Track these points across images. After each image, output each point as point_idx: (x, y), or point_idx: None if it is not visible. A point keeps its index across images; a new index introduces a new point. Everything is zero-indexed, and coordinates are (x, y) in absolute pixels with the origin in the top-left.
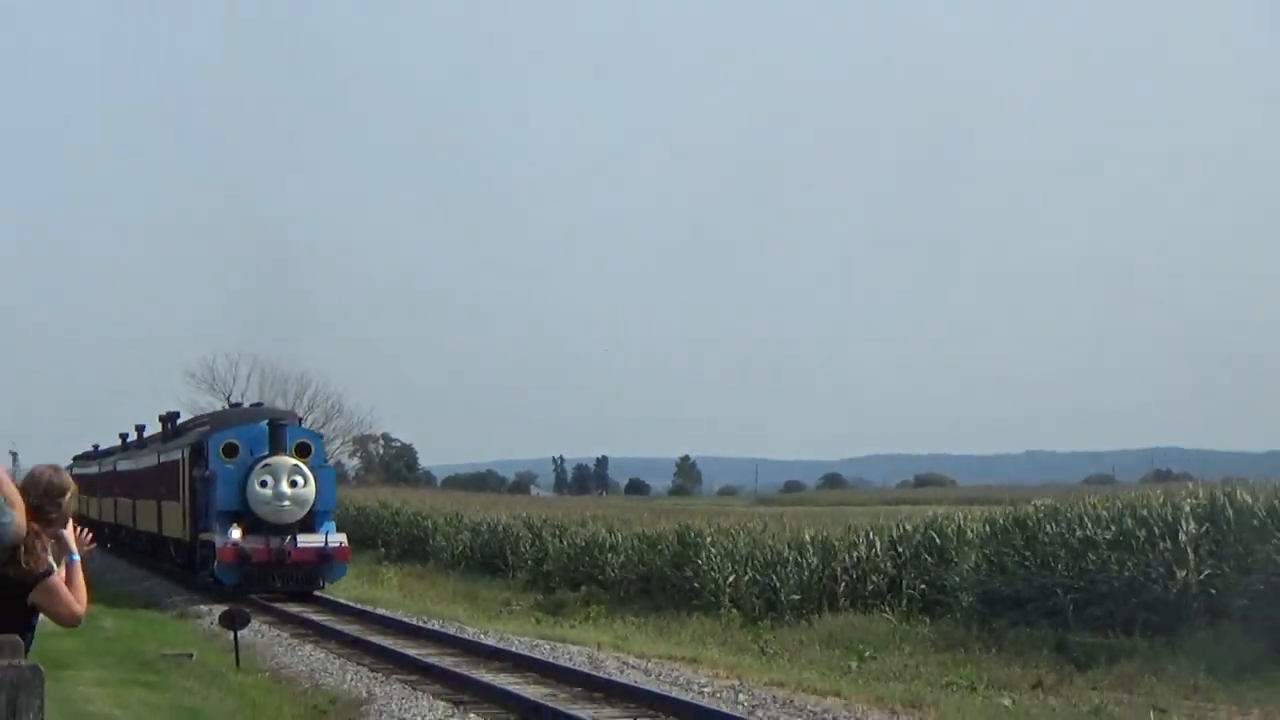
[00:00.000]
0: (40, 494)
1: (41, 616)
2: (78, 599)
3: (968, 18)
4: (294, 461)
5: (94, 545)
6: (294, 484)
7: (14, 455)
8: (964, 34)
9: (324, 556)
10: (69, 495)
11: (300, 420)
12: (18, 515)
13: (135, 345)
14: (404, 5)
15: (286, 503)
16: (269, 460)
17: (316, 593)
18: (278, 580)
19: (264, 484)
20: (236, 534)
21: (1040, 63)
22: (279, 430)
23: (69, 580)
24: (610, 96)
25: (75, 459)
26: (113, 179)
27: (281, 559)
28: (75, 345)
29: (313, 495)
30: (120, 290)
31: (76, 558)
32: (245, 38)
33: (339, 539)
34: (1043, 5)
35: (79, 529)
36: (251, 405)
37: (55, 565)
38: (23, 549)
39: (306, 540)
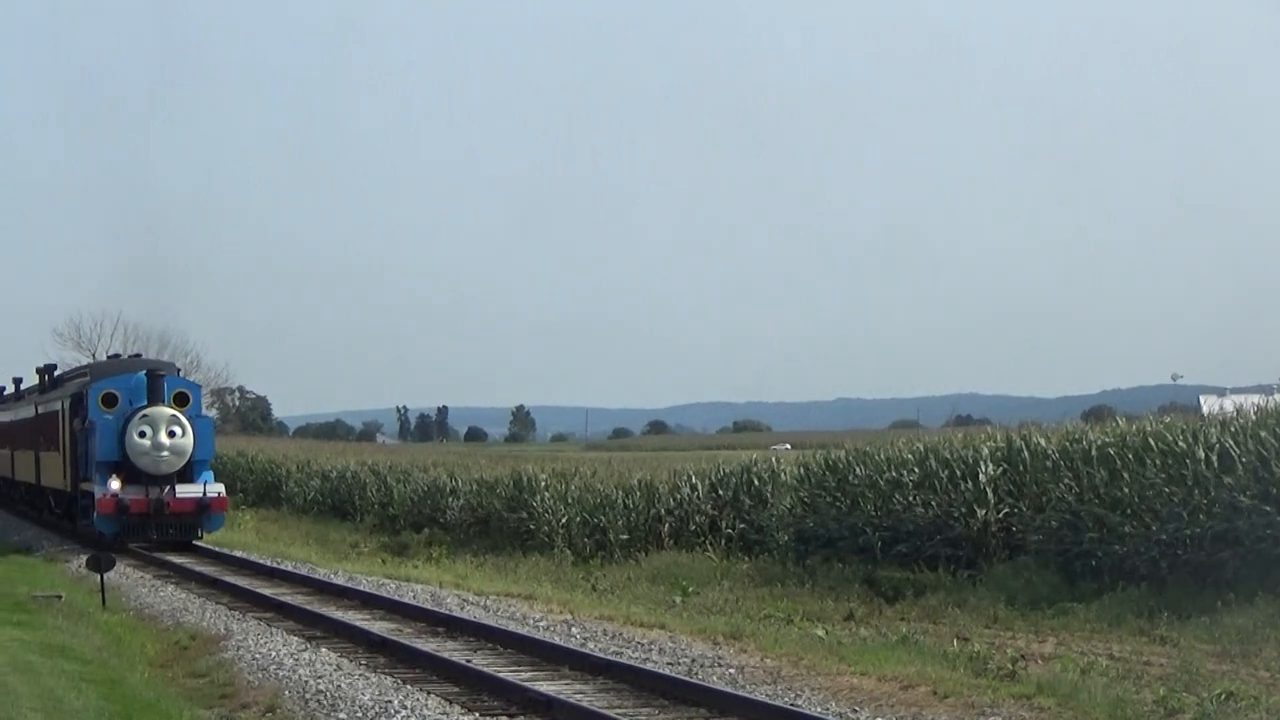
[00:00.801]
0: None
1: None
2: None
3: None
4: (172, 412)
5: None
6: (172, 434)
7: None
8: None
9: (202, 506)
10: None
11: (179, 370)
12: None
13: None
14: None
15: (165, 453)
16: (147, 411)
17: (195, 542)
18: (156, 531)
19: (142, 434)
20: (115, 485)
21: None
22: (157, 380)
23: None
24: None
25: None
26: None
27: (160, 509)
28: None
29: (191, 445)
30: None
31: None
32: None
33: (217, 489)
34: None
35: None
36: (131, 356)
37: None
38: None
39: (185, 490)
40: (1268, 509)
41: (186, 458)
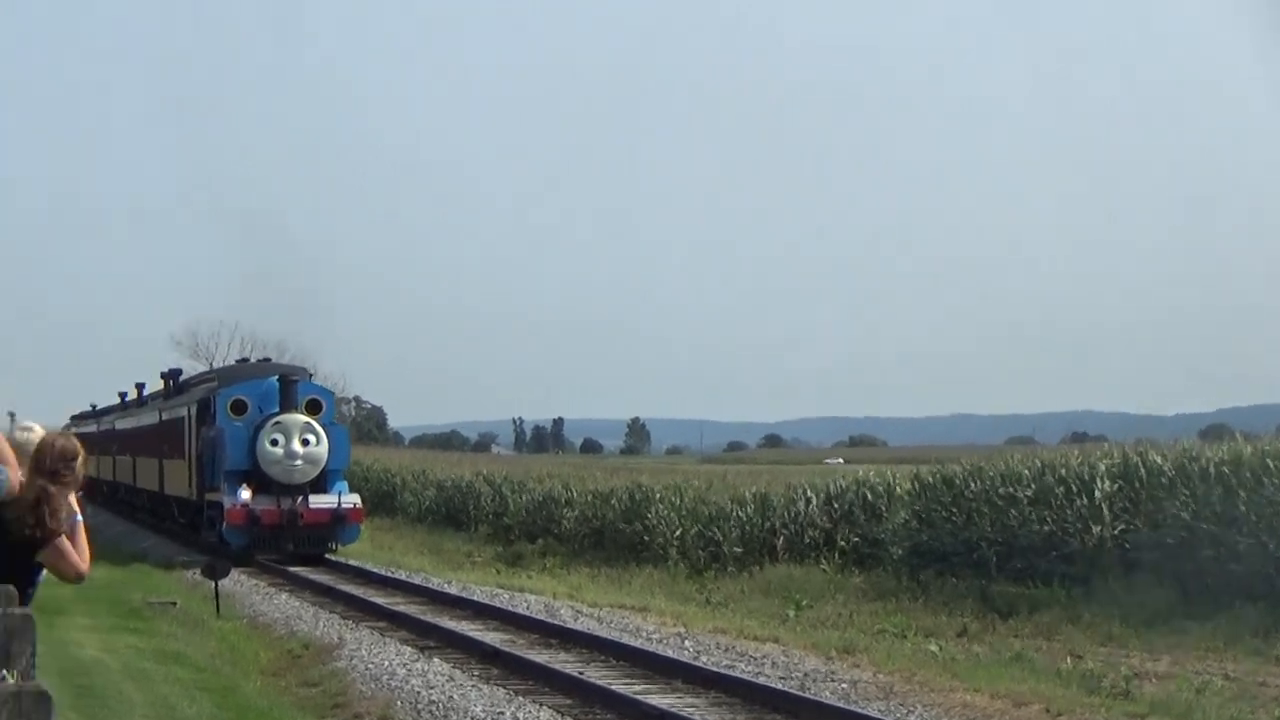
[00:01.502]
0: (55, 459)
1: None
2: (82, 558)
3: None
4: (305, 419)
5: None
6: (306, 442)
7: (11, 415)
8: None
9: (337, 518)
10: (80, 459)
11: (310, 376)
12: (11, 473)
13: (125, 315)
14: None
15: (298, 462)
16: (280, 418)
17: (328, 555)
18: (289, 542)
19: (274, 442)
20: (246, 494)
21: None
22: (290, 386)
23: (73, 540)
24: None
25: (73, 418)
26: (118, 168)
27: (293, 520)
28: (69, 314)
29: (325, 454)
30: (111, 263)
31: (80, 518)
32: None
33: (352, 499)
34: None
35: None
36: (259, 360)
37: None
38: (47, 511)
39: (319, 501)
40: None
41: (321, 467)
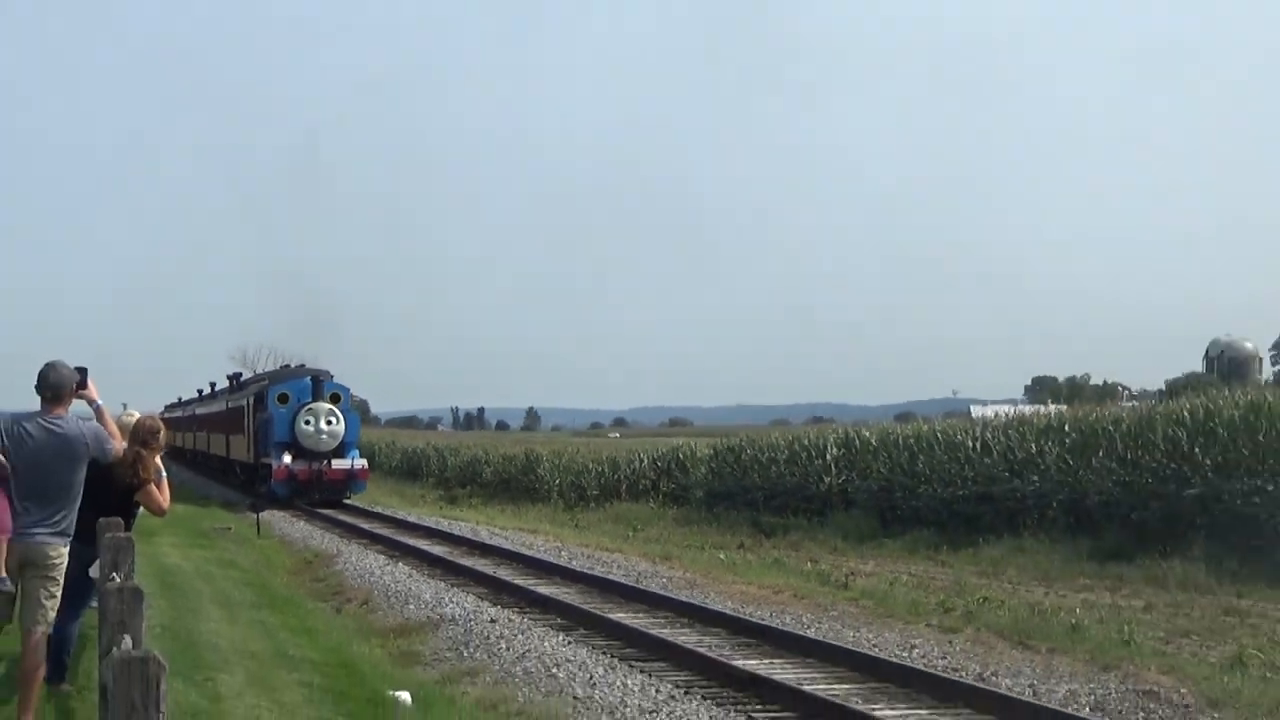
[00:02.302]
0: (146, 432)
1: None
2: (164, 500)
3: None
4: (329, 406)
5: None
6: (329, 422)
7: (124, 405)
8: None
9: (350, 475)
10: (162, 433)
11: (332, 377)
12: (116, 444)
13: (200, 338)
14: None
15: (324, 436)
16: (312, 405)
17: (352, 501)
18: (317, 492)
19: (308, 422)
20: (288, 459)
21: None
22: (319, 383)
23: (159, 487)
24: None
25: (166, 407)
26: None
27: (319, 477)
28: (165, 336)
29: (343, 431)
30: (192, 302)
31: (164, 474)
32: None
33: (361, 462)
34: None
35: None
36: (296, 366)
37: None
38: (140, 467)
39: (338, 464)
40: (1010, 476)
41: (339, 440)
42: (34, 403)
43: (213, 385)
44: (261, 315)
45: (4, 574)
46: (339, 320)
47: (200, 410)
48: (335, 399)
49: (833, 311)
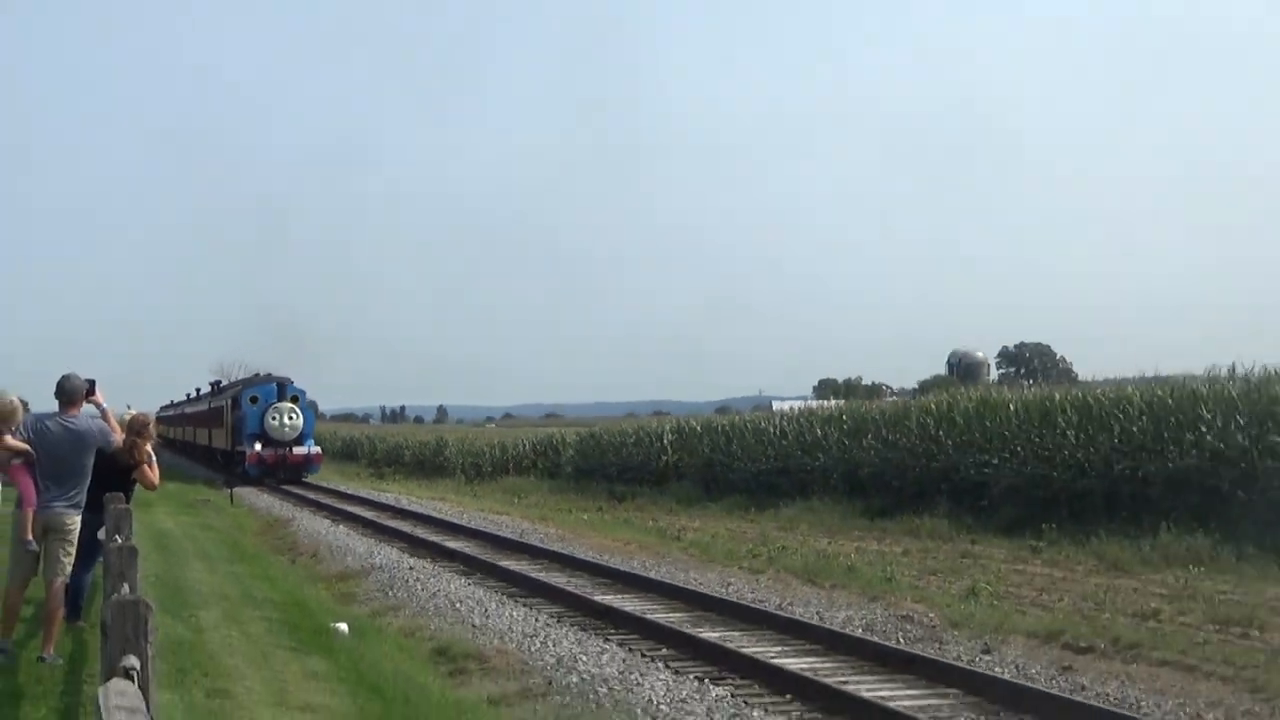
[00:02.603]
0: (139, 425)
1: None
2: (155, 477)
3: None
4: (290, 405)
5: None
6: (291, 418)
7: (128, 406)
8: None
9: (308, 459)
10: (151, 425)
11: (292, 382)
12: (117, 436)
13: (186, 353)
14: None
15: (287, 428)
16: (277, 404)
17: (309, 480)
18: (281, 473)
19: (274, 418)
20: (258, 447)
21: None
22: (283, 388)
23: (150, 468)
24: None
25: (161, 407)
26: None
27: (283, 461)
28: (161, 353)
29: (301, 424)
30: (175, 318)
31: (154, 457)
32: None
33: (316, 449)
34: None
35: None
36: (264, 375)
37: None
38: (135, 450)
39: (298, 450)
40: (802, 454)
41: (299, 431)
42: (52, 405)
43: (198, 390)
44: (234, 333)
45: (30, 538)
46: (298, 337)
47: (188, 410)
48: (295, 400)
49: (665, 328)
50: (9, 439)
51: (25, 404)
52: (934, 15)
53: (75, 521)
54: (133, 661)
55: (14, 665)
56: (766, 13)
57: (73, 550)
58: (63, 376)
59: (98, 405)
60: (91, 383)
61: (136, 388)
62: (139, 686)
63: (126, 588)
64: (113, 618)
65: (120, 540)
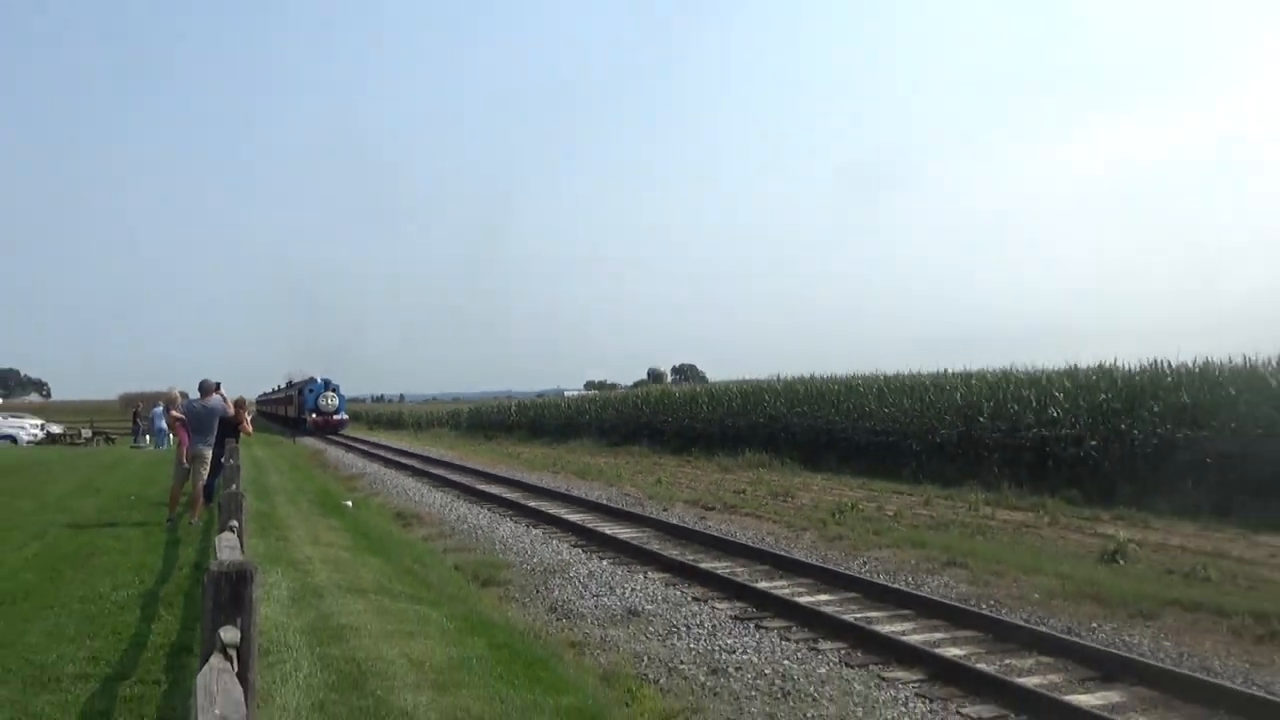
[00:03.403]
0: (241, 403)
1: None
2: (249, 429)
3: None
4: (331, 392)
5: (253, 415)
6: (331, 400)
7: (243, 397)
8: None
9: (341, 422)
10: (246, 403)
11: (332, 379)
12: (230, 410)
13: (264, 356)
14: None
15: (329, 405)
16: (326, 392)
17: (340, 434)
18: (328, 431)
19: (322, 399)
20: (314, 416)
21: None
22: (328, 382)
23: (246, 424)
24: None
25: (259, 394)
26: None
27: (328, 423)
28: (252, 359)
29: (338, 403)
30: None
31: (248, 419)
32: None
33: (345, 417)
34: None
35: (250, 417)
36: (317, 376)
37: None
38: (239, 416)
39: (336, 417)
40: (577, 415)
41: (336, 407)
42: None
43: (278, 385)
44: (304, 344)
45: (185, 461)
46: (343, 348)
47: (275, 396)
48: (334, 388)
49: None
50: (174, 412)
51: (184, 394)
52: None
53: (208, 453)
54: (234, 523)
55: (176, 528)
56: None
57: (207, 467)
58: (202, 380)
59: (222, 396)
60: (218, 384)
61: (238, 379)
62: (237, 536)
63: (235, 486)
64: (225, 501)
65: (232, 462)
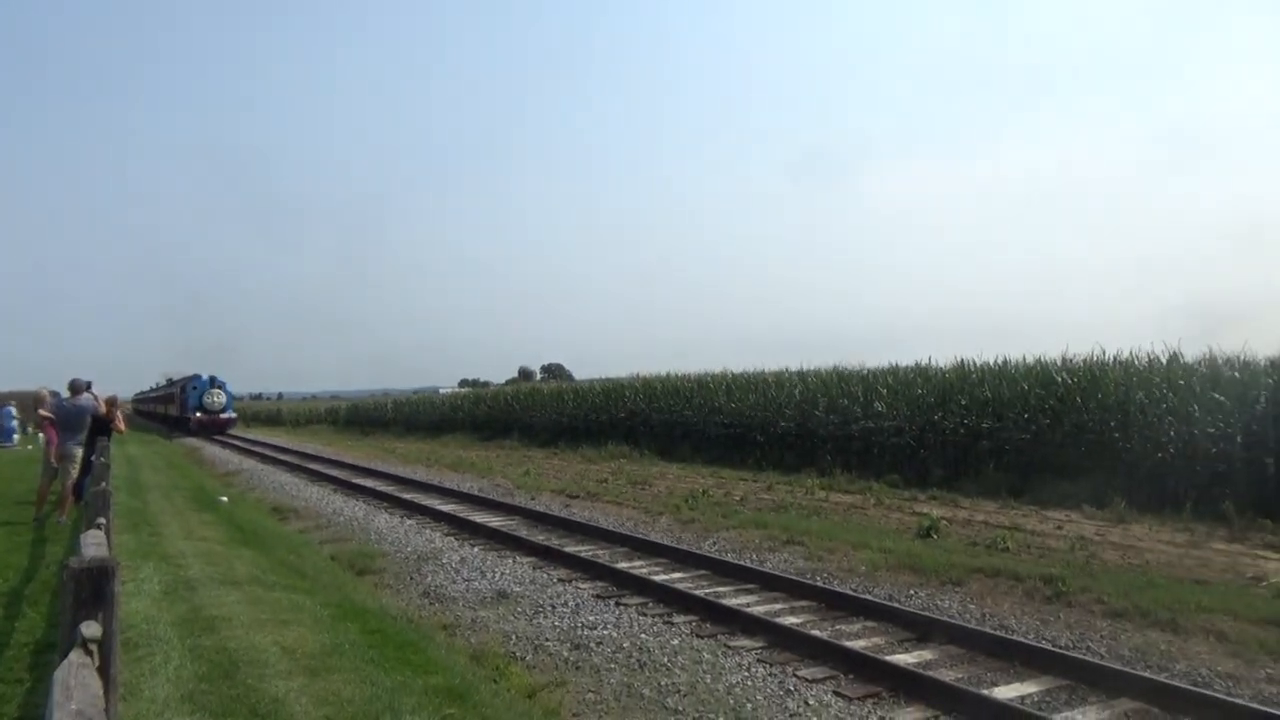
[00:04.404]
0: (111, 401)
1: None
2: (122, 427)
3: None
4: (217, 389)
5: (127, 414)
6: (217, 396)
7: (116, 395)
8: None
9: (229, 421)
10: (117, 402)
11: (217, 376)
12: (102, 408)
13: (143, 356)
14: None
15: (214, 403)
16: (211, 389)
17: (225, 435)
18: (212, 431)
19: (208, 396)
20: (199, 415)
21: None
22: (213, 379)
23: (118, 421)
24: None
25: (136, 394)
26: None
27: (214, 422)
28: (131, 356)
29: (225, 400)
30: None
31: (121, 417)
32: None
33: (233, 415)
34: None
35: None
36: (201, 374)
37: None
38: (110, 414)
39: (223, 416)
40: (451, 411)
41: (223, 404)
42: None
43: (158, 383)
44: (182, 343)
45: (54, 461)
46: (221, 347)
47: (153, 394)
48: (220, 385)
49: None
50: (43, 411)
51: (54, 392)
52: None
53: (78, 452)
54: (101, 520)
55: (43, 526)
56: None
57: (76, 466)
58: (72, 379)
59: (93, 395)
60: (89, 383)
61: (112, 378)
62: (105, 533)
63: (105, 484)
64: (90, 501)
65: (103, 460)
